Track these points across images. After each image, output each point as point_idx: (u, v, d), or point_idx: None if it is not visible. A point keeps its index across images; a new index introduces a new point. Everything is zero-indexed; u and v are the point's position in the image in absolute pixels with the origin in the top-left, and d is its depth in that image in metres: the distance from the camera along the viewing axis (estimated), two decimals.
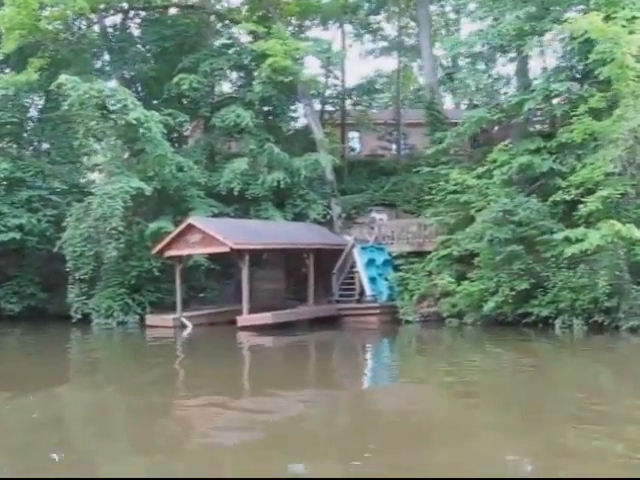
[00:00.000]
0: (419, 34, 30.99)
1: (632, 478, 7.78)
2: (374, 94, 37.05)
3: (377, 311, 24.36)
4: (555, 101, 23.13)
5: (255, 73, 28.88)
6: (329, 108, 36.48)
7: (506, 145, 22.58)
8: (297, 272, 28.94)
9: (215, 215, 27.55)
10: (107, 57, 30.51)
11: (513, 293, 20.44)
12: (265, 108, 30.51)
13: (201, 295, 28.29)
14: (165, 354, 19.85)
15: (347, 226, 30.15)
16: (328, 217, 29.69)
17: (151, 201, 27.03)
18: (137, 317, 26.34)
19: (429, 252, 25.75)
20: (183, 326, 24.05)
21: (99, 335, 24.89)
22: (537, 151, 22.12)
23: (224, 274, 28.82)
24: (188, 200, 28.00)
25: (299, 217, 28.99)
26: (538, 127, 24.73)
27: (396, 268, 25.84)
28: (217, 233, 22.49)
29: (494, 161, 22.78)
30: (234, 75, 32.52)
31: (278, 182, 27.79)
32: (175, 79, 28.27)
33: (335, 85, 35.58)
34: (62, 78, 24.43)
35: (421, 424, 10.70)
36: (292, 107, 31.84)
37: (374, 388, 14.75)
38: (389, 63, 40.97)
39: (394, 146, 39.41)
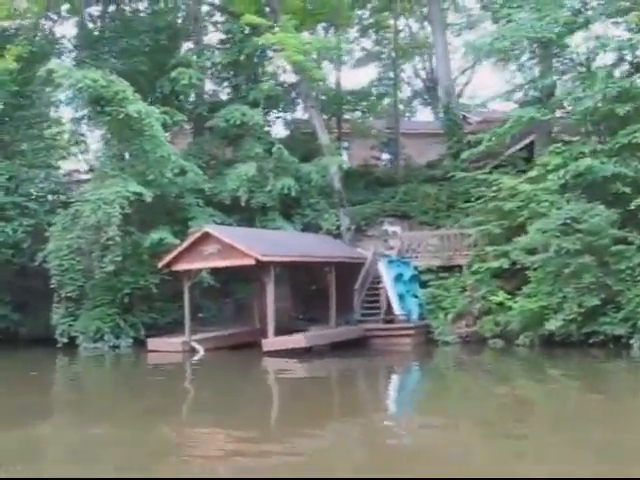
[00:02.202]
0: (433, 34, 28.92)
1: (632, 478, 7.59)
2: (372, 100, 34.57)
3: (411, 332, 21.72)
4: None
5: (260, 69, 26.23)
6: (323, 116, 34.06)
7: (558, 147, 20.52)
8: (305, 288, 26.19)
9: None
10: (92, 49, 27.12)
11: (582, 310, 18.22)
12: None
13: (200, 315, 25.13)
14: (183, 386, 16.81)
15: (357, 239, 27.57)
16: (336, 229, 27.12)
17: (145, 209, 23.84)
18: (130, 340, 23.11)
19: (459, 266, 23.63)
20: (192, 351, 20.93)
21: (90, 361, 21.58)
22: (592, 153, 20.10)
23: (222, 292, 25.82)
24: (187, 209, 24.94)
25: (308, 228, 26.30)
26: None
27: (424, 284, 23.44)
28: (239, 243, 19.56)
29: (545, 165, 20.69)
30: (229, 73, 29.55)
31: (289, 189, 25.05)
32: (173, 73, 25.26)
33: (331, 90, 33.09)
34: (52, 63, 21.25)
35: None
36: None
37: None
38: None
39: (385, 156, 37.34)
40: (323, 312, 24.45)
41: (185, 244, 20.66)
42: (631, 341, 17.94)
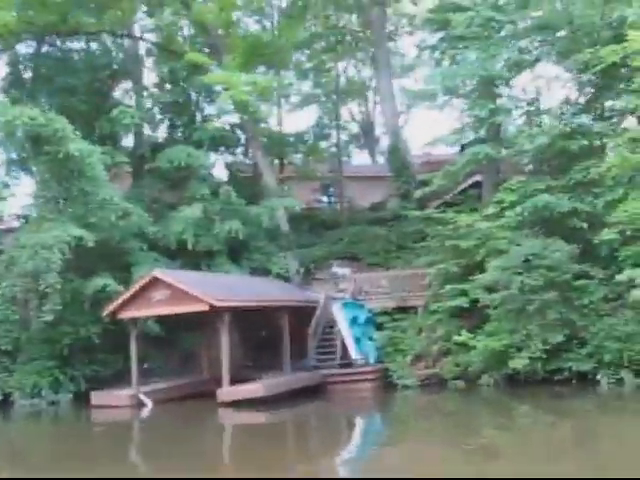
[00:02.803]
0: (377, 76, 28.92)
1: (632, 478, 7.95)
2: (313, 144, 34.17)
3: (370, 376, 20.97)
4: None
5: (201, 110, 25.49)
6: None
7: (512, 184, 20.53)
8: (254, 335, 25.15)
9: None
10: (26, 88, 25.79)
11: (547, 347, 17.94)
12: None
13: (145, 366, 23.64)
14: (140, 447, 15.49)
15: (306, 282, 26.81)
16: (285, 272, 26.30)
17: (85, 254, 22.45)
18: (70, 395, 21.47)
19: (414, 307, 23.17)
20: (140, 404, 19.53)
21: (29, 420, 19.78)
22: (546, 190, 20.13)
23: (167, 342, 24.46)
24: (129, 253, 23.69)
25: (256, 272, 25.37)
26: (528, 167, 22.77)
27: (379, 326, 22.83)
28: (192, 288, 18.49)
29: (500, 202, 20.62)
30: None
31: (236, 232, 24.15)
32: (113, 112, 24.20)
33: (273, 133, 32.57)
34: None
35: None
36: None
37: None
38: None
39: (325, 199, 37.10)
40: (274, 359, 23.42)
41: (132, 290, 19.42)
42: (597, 377, 17.71)
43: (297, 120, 56.00)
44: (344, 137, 40.38)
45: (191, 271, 22.41)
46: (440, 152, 31.92)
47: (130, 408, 19.26)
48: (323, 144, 33.96)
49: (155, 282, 18.98)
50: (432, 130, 32.91)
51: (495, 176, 24.77)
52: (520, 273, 18.23)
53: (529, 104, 21.77)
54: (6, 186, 24.61)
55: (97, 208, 21.47)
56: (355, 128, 46.27)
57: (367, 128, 45.92)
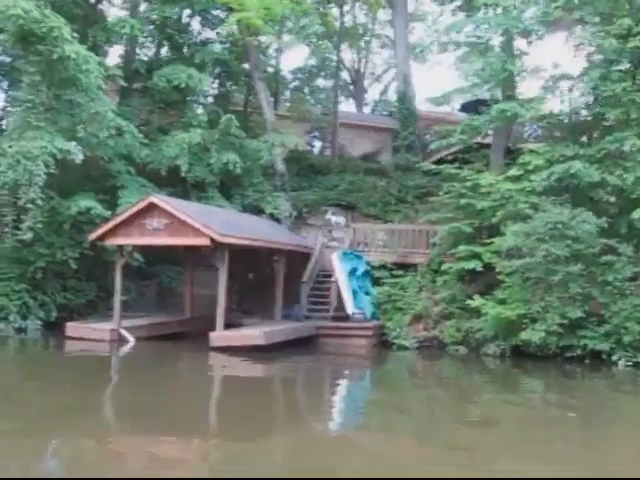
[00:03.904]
0: (393, 19, 27.08)
1: (632, 478, 7.64)
2: (312, 81, 32.30)
3: (368, 332, 19.84)
4: None
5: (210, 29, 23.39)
6: None
7: (541, 147, 19.34)
8: (242, 277, 23.68)
9: None
10: None
11: (565, 322, 17.01)
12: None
13: (123, 298, 21.95)
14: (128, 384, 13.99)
15: (297, 227, 25.35)
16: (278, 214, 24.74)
17: (68, 172, 20.52)
18: (39, 322, 19.76)
19: (414, 265, 22.02)
20: (121, 340, 17.99)
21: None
22: (572, 158, 18.99)
23: (143, 274, 22.82)
24: (115, 176, 21.77)
25: (248, 211, 23.76)
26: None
27: (376, 281, 21.64)
28: (193, 219, 16.85)
29: (524, 165, 19.43)
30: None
31: (234, 165, 22.43)
32: (111, 20, 21.93)
33: (272, 67, 30.51)
34: None
35: None
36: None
37: None
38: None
39: (316, 143, 35.45)
40: (262, 304, 22.16)
41: (123, 215, 17.63)
42: (613, 357, 16.91)
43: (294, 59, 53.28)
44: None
45: (186, 200, 20.64)
46: (433, 109, 30.54)
47: (110, 343, 17.68)
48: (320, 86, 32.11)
49: (151, 208, 17.25)
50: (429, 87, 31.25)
51: (505, 139, 23.72)
52: (545, 241, 17.13)
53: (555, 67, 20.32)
54: None
55: (88, 122, 19.42)
56: (345, 75, 44.55)
57: (356, 77, 44.20)
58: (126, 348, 17.59)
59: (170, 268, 23.20)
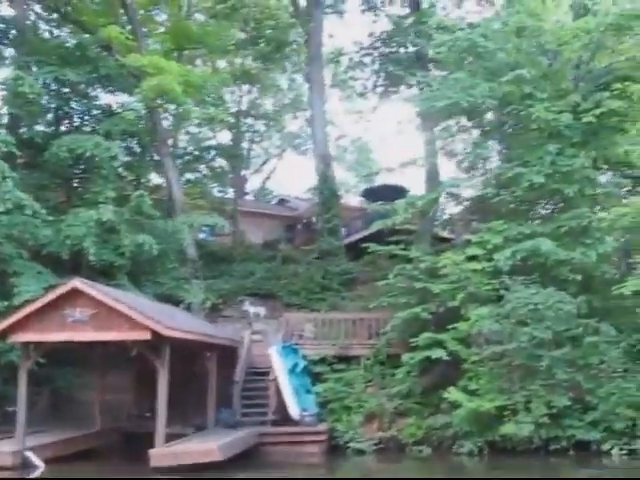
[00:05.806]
0: (311, 96, 25.69)
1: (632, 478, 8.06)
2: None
3: (322, 437, 17.11)
4: None
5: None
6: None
7: (499, 225, 18.21)
8: (150, 378, 20.19)
9: (45, 289, 17.74)
10: None
11: (554, 411, 15.38)
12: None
13: (9, 409, 17.71)
14: None
15: (211, 319, 22.40)
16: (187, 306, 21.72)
17: None
18: None
19: (356, 357, 19.82)
20: (25, 465, 14.03)
21: None
22: (532, 235, 17.99)
23: (31, 378, 18.74)
24: (7, 261, 18.00)
25: (161, 300, 20.54)
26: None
27: (316, 377, 19.16)
28: (130, 308, 13.73)
29: (481, 243, 18.17)
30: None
31: (150, 247, 19.39)
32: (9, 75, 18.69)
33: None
34: None
35: None
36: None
37: None
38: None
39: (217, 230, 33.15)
40: (181, 409, 18.79)
41: (35, 305, 14.12)
42: (603, 447, 15.38)
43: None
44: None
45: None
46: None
47: (11, 471, 13.69)
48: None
49: (74, 296, 13.92)
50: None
51: (431, 224, 22.94)
52: (527, 324, 15.68)
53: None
54: None
55: None
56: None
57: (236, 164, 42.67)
58: (34, 475, 13.68)
59: (70, 371, 19.29)
